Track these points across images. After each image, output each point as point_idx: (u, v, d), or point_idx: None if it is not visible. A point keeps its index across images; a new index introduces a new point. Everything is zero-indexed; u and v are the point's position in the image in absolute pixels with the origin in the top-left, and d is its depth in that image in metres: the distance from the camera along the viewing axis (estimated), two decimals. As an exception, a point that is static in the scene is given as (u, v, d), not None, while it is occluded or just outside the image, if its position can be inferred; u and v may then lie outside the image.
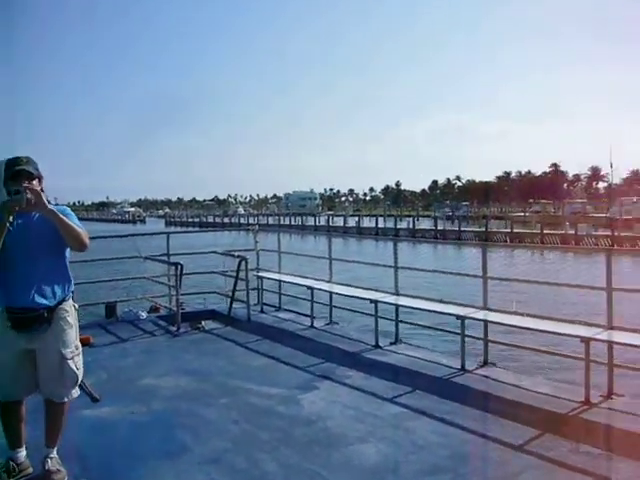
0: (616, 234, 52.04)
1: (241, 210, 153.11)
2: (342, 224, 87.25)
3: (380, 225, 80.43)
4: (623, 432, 5.88)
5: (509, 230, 62.94)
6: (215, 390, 7.46)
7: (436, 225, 74.32)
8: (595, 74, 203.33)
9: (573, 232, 55.86)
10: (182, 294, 11.39)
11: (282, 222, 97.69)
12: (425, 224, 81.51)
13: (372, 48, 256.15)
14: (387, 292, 10.06)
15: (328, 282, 11.37)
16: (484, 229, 64.63)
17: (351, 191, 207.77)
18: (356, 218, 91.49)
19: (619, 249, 35.27)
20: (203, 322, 11.15)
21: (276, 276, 12.55)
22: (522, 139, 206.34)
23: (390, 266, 10.22)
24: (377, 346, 9.38)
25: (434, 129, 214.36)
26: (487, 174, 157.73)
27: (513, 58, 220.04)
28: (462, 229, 69.32)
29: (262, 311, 12.36)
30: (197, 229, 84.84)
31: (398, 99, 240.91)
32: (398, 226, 76.87)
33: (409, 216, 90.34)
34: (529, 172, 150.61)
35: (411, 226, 75.48)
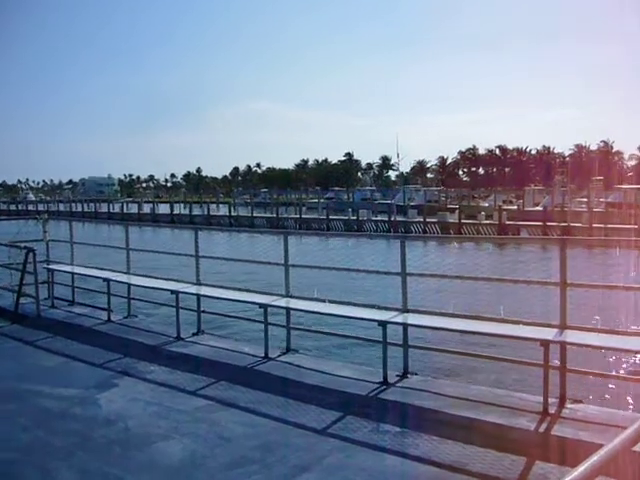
0: (392, 219, 56.56)
1: (31, 196, 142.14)
2: (137, 211, 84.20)
3: (177, 212, 78.83)
4: (418, 409, 6.20)
5: (298, 216, 65.22)
6: (0, 395, 6.82)
7: (230, 212, 74.49)
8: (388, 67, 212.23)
9: (355, 218, 59.45)
10: (-41, 291, 10.32)
11: (74, 209, 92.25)
12: (224, 211, 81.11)
13: (185, 35, 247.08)
14: (188, 282, 9.83)
15: (126, 273, 10.88)
16: (275, 215, 66.32)
17: (151, 177, 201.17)
18: (151, 205, 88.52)
19: (413, 235, 37.75)
20: (-15, 321, 10.20)
21: (68, 268, 11.78)
22: (328, 128, 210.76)
23: (191, 255, 9.98)
24: (179, 338, 9.13)
25: (240, 116, 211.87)
26: (294, 161, 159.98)
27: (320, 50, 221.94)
28: (255, 215, 70.34)
29: (53, 306, 11.56)
30: (-22, 218, 77.92)
31: (208, 84, 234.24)
32: (194, 213, 75.96)
33: (209, 203, 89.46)
34: (326, 160, 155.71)
35: (206, 213, 75.05)
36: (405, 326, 7.28)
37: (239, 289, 9.37)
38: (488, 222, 51.71)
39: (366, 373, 7.40)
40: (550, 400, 6.05)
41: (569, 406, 6.07)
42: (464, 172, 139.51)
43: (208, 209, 76.19)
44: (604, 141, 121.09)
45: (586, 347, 6.37)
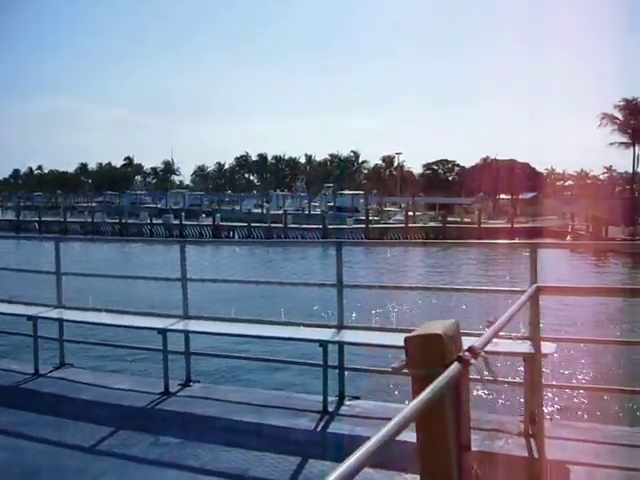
0: (124, 221, 60.98)
1: None
2: None
3: None
4: (199, 417, 6.06)
5: (37, 219, 64.49)
6: None
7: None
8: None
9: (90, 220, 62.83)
10: None
11: None
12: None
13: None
14: None
15: None
16: (17, 218, 66.81)
17: None
18: None
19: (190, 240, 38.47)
20: None
21: None
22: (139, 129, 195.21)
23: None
24: None
25: (34, 113, 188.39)
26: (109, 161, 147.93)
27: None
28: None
29: None
30: None
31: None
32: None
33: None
34: (109, 164, 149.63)
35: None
36: (186, 333, 7.10)
37: (3, 301, 8.58)
38: (206, 223, 59.58)
39: (147, 384, 7.11)
40: (330, 399, 6.21)
41: (347, 403, 6.27)
42: (255, 177, 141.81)
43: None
44: (353, 151, 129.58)
45: (361, 345, 6.64)
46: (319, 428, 5.72)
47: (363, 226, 56.26)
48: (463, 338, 2.42)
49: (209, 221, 60.32)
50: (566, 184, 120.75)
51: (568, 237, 51.06)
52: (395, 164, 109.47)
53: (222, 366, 9.29)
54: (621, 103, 72.28)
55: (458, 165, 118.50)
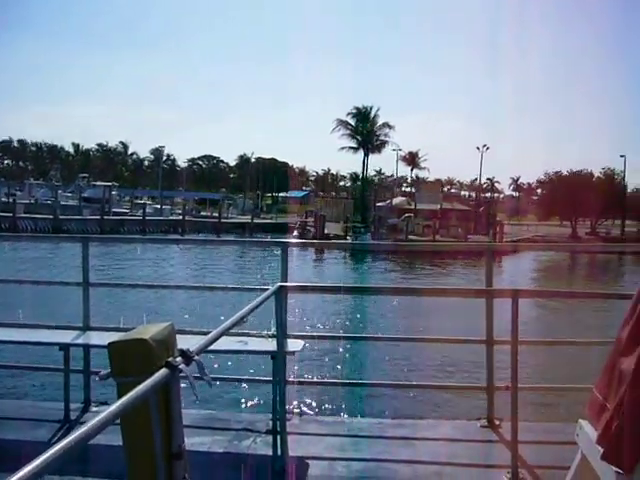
0: None
1: None
2: None
3: None
4: None
5: None
6: None
7: None
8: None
9: None
10: None
11: None
12: None
13: None
14: None
15: None
16: None
17: None
18: None
19: None
20: None
21: None
22: None
23: None
24: None
25: None
26: None
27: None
28: None
29: None
30: None
31: None
32: None
33: None
34: None
35: None
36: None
37: None
38: None
39: None
40: (74, 405, 5.84)
41: (93, 409, 5.95)
42: (27, 164, 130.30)
43: None
44: (122, 142, 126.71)
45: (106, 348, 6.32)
46: (56, 438, 5.32)
47: (98, 217, 57.53)
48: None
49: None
50: (345, 184, 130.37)
51: (295, 231, 60.70)
52: (164, 158, 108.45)
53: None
54: (353, 110, 79.87)
55: (222, 161, 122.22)
